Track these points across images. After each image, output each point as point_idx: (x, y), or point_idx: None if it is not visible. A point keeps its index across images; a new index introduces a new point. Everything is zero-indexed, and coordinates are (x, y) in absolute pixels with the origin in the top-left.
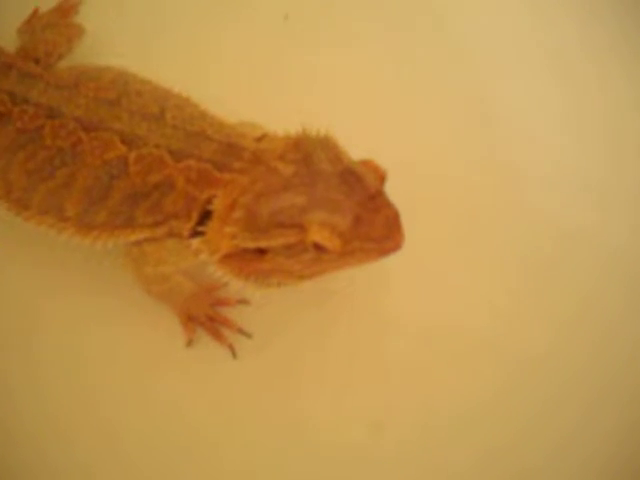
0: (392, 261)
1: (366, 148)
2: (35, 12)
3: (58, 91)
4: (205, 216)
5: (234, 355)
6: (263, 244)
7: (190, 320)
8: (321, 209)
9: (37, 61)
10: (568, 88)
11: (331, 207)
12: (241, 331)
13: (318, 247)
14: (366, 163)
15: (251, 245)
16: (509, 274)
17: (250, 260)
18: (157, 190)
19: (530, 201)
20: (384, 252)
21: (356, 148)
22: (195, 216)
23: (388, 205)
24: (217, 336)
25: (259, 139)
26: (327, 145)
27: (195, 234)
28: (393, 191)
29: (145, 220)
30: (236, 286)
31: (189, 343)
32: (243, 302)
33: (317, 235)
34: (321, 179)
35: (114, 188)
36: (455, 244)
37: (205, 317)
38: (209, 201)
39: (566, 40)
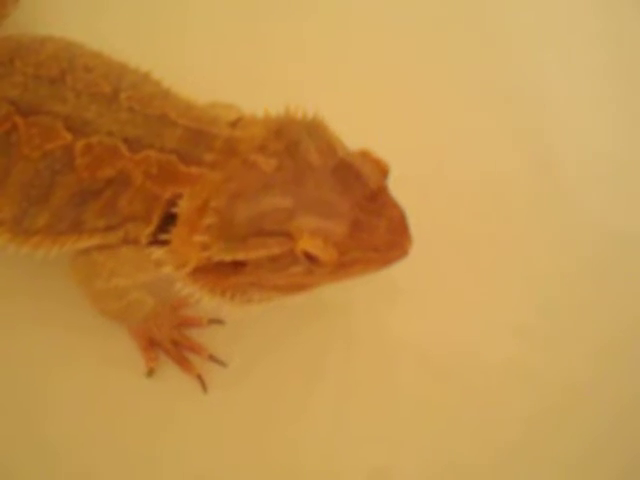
0: (397, 270)
1: (366, 139)
2: None
3: None
4: (168, 219)
5: (204, 388)
6: (241, 256)
7: (151, 345)
8: (312, 213)
9: None
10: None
11: (324, 210)
12: (213, 358)
13: (310, 258)
14: (364, 154)
15: (227, 257)
16: (540, 287)
17: (226, 274)
18: (110, 187)
19: (569, 200)
20: (388, 261)
21: (355, 138)
22: (156, 219)
23: (392, 205)
24: (184, 365)
25: (234, 124)
26: (316, 131)
27: (156, 241)
28: (399, 189)
29: (95, 224)
30: (209, 304)
31: (150, 373)
32: (216, 322)
33: (308, 245)
34: (310, 175)
35: (57, 185)
36: (474, 250)
37: (169, 341)
38: (173, 201)
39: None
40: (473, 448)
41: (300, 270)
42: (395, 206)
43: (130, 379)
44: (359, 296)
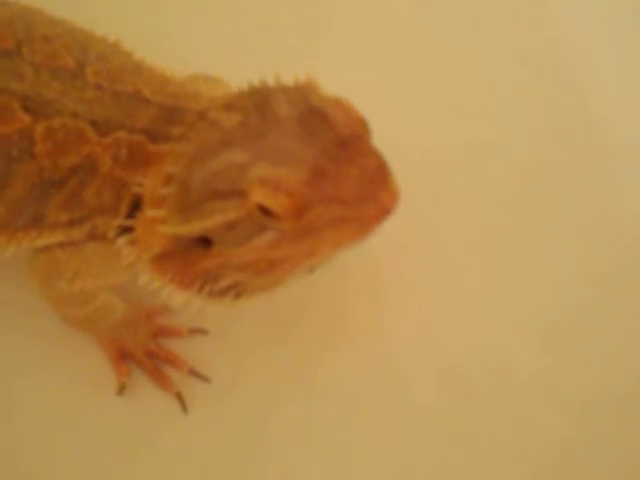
0: (410, 271)
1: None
2: None
3: None
4: (137, 207)
5: (184, 408)
6: (196, 226)
7: (123, 358)
8: (266, 163)
9: None
10: None
11: (280, 158)
12: (194, 373)
13: (265, 212)
14: (338, 102)
15: (184, 231)
16: (572, 286)
17: (193, 259)
18: (74, 176)
19: (611, 185)
20: (365, 223)
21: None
22: (124, 209)
23: (367, 153)
24: (160, 381)
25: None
26: (295, 88)
27: (123, 232)
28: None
29: (58, 218)
30: (179, 301)
31: (121, 390)
32: (198, 332)
33: (258, 194)
34: (275, 127)
35: (14, 175)
36: (497, 245)
37: (143, 353)
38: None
39: None
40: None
41: (264, 241)
42: (371, 154)
43: (100, 397)
44: (358, 297)
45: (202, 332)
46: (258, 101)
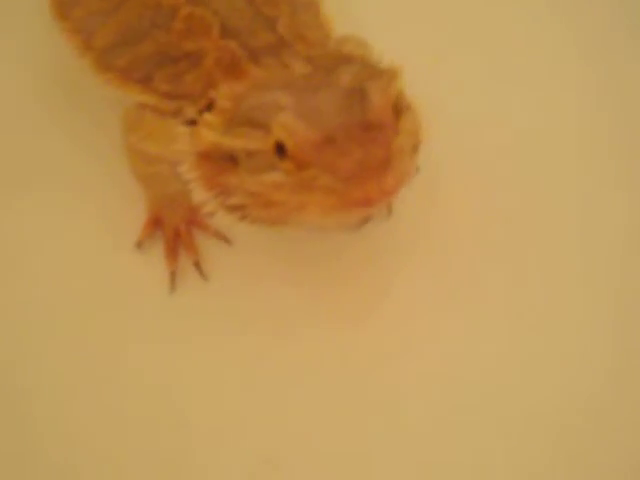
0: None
1: None
2: None
3: None
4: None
5: (171, 287)
6: (228, 142)
7: (155, 224)
8: (296, 111)
9: None
10: None
11: (308, 114)
12: (197, 266)
13: (278, 149)
14: (384, 90)
15: (220, 142)
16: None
17: (221, 169)
18: (186, 60)
19: None
20: (344, 199)
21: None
22: (202, 104)
23: (381, 144)
24: (170, 255)
25: None
26: (370, 67)
27: (192, 122)
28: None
29: (160, 86)
30: (198, 197)
31: (139, 244)
32: (223, 238)
33: (278, 130)
34: (326, 88)
35: (150, 37)
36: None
37: (173, 229)
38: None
39: None
40: None
41: (270, 179)
42: (384, 146)
43: (118, 249)
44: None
45: (226, 240)
46: (334, 63)
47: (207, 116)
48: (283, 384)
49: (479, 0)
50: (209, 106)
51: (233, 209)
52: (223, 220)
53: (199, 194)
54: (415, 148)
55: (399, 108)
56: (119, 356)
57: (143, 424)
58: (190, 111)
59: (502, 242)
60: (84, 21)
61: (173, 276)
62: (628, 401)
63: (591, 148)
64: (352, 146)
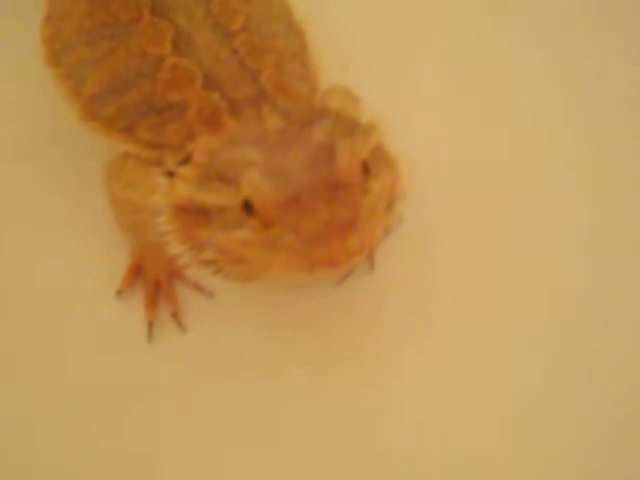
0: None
1: None
2: None
3: None
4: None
5: (149, 336)
6: (200, 197)
7: (136, 271)
8: (264, 168)
9: None
10: None
11: (276, 171)
12: (175, 316)
13: (246, 207)
14: (352, 147)
15: (192, 195)
16: None
17: (195, 223)
18: (170, 110)
19: None
20: (307, 260)
21: None
22: (181, 155)
23: (347, 205)
24: (150, 304)
25: None
26: (347, 120)
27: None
28: None
29: (143, 135)
30: (173, 249)
31: (119, 293)
32: (203, 291)
33: (246, 188)
34: (297, 145)
35: (135, 87)
36: None
37: (154, 279)
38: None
39: None
40: None
41: (239, 237)
42: (350, 207)
43: (101, 293)
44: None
45: (207, 293)
46: (309, 118)
47: (183, 169)
48: (260, 433)
49: (470, 49)
50: (187, 159)
51: (206, 263)
52: (198, 273)
53: (174, 247)
54: (391, 204)
55: (373, 164)
56: (97, 400)
57: (118, 471)
58: (170, 162)
59: (487, 293)
60: (75, 68)
61: (151, 326)
62: None
63: (581, 195)
64: (317, 206)
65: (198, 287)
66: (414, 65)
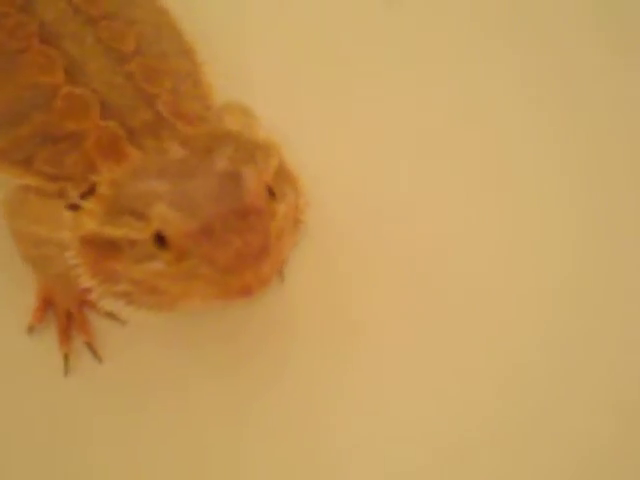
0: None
1: None
2: None
3: None
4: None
5: (65, 370)
6: (109, 232)
7: (46, 305)
8: (171, 200)
9: None
10: None
11: (184, 203)
12: (90, 346)
13: (158, 240)
14: (258, 173)
15: (99, 229)
16: None
17: (105, 256)
18: (67, 141)
19: None
20: (224, 289)
21: None
22: (84, 187)
23: (258, 231)
24: (63, 336)
25: None
26: (249, 144)
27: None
28: None
29: (42, 168)
30: (84, 284)
31: (30, 330)
32: (115, 319)
33: (158, 222)
34: (202, 174)
35: (29, 119)
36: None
37: (64, 311)
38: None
39: None
40: None
41: (151, 269)
42: (261, 233)
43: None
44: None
45: (120, 321)
46: (210, 145)
47: (87, 203)
48: (187, 456)
49: (374, 61)
50: (90, 191)
51: (119, 295)
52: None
53: (84, 280)
54: (296, 221)
55: (276, 186)
56: (12, 440)
57: None
58: (73, 194)
59: (399, 295)
60: None
61: (67, 359)
62: None
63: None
64: (229, 236)
65: (110, 315)
66: (307, 74)
